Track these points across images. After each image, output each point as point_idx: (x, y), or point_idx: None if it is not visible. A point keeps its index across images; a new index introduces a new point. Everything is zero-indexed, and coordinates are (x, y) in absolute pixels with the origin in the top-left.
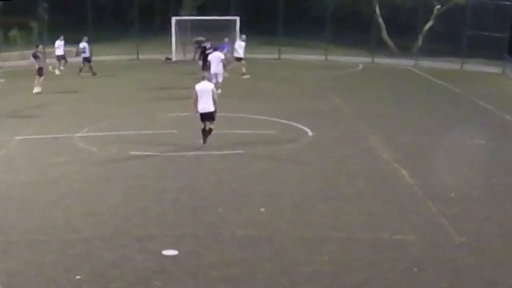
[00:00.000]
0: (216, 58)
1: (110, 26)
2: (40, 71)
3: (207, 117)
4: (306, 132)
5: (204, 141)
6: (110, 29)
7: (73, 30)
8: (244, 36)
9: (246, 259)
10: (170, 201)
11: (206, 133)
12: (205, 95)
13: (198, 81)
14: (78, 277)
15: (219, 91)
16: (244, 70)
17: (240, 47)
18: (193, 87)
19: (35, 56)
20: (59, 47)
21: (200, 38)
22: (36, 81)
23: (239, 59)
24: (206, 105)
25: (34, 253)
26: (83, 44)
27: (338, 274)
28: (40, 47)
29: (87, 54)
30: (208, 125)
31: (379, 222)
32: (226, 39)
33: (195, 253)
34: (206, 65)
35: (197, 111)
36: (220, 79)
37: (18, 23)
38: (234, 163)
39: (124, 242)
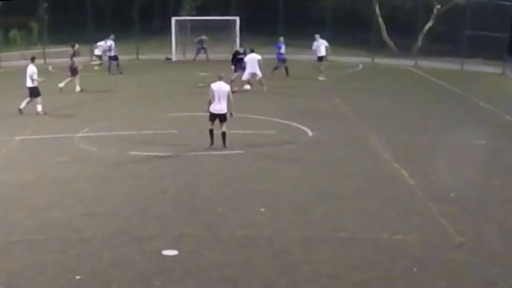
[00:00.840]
0: (253, 59)
1: (110, 26)
2: (75, 71)
3: (218, 118)
4: (306, 132)
5: (212, 143)
6: (110, 29)
7: (73, 30)
8: (317, 35)
9: (246, 259)
10: (170, 201)
11: (216, 135)
12: (221, 97)
13: (214, 80)
14: (78, 277)
15: (265, 88)
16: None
17: (319, 46)
18: (194, 87)
19: (73, 55)
20: (111, 47)
21: (204, 37)
22: (76, 80)
23: (321, 58)
24: (220, 106)
25: (34, 253)
26: (109, 42)
27: (338, 274)
28: (77, 46)
29: (112, 53)
30: (221, 127)
31: (379, 222)
32: (281, 38)
33: (195, 253)
34: (237, 68)
35: (208, 110)
36: (259, 77)
37: (18, 23)
38: (234, 163)
39: (124, 242)
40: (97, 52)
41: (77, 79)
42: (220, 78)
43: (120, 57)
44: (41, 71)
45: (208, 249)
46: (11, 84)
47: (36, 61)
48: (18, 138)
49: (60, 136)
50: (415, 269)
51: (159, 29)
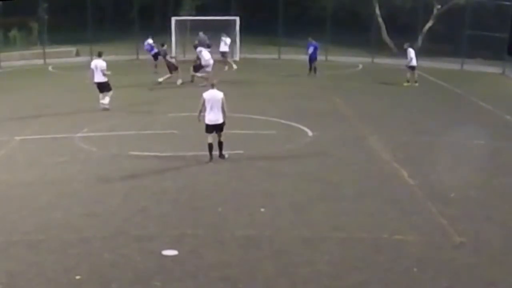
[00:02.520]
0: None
1: (110, 26)
2: (174, 67)
3: (214, 129)
4: (306, 133)
5: (211, 158)
6: (110, 29)
7: (73, 30)
8: (407, 44)
9: (246, 259)
10: (170, 201)
11: (213, 147)
12: (215, 105)
13: (206, 89)
14: (78, 277)
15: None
16: (409, 77)
17: (412, 57)
18: (193, 87)
19: (164, 54)
20: (225, 43)
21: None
22: (177, 74)
23: (412, 68)
24: (215, 116)
25: (34, 253)
26: (149, 44)
27: (338, 274)
28: (165, 46)
29: (154, 52)
30: (217, 137)
31: (379, 222)
32: (310, 38)
33: (195, 253)
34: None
35: (201, 120)
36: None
37: (18, 23)
38: (234, 163)
39: (124, 242)
40: (222, 48)
41: (177, 73)
42: (213, 86)
43: (120, 57)
44: (41, 71)
45: (208, 249)
46: (11, 84)
47: (37, 60)
48: (18, 138)
49: (60, 136)
50: (415, 269)
51: (159, 29)
